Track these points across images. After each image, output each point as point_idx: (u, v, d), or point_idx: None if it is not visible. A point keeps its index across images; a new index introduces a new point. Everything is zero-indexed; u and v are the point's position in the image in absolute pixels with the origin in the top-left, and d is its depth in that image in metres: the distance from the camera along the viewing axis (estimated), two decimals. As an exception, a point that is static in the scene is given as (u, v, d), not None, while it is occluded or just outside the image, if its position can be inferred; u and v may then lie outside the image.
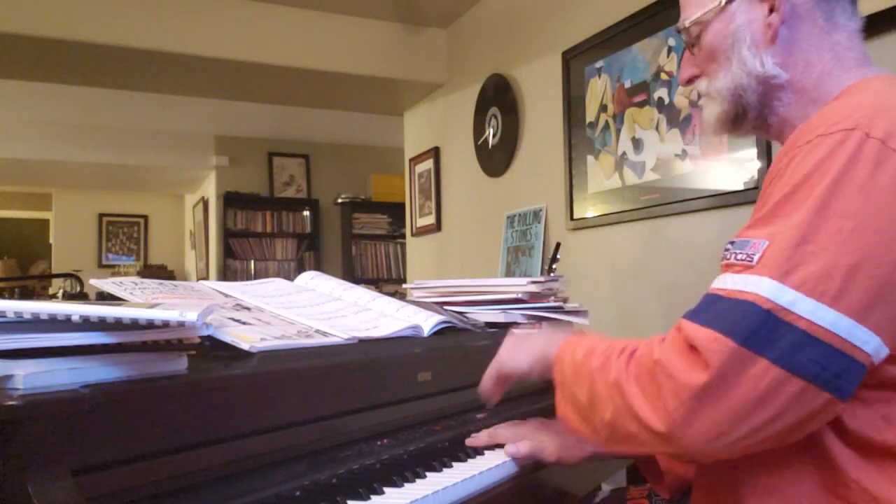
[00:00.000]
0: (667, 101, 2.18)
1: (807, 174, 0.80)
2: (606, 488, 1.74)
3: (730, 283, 0.81)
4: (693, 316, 0.82)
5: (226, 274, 6.22)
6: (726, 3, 0.98)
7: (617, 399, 0.86)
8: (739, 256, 0.82)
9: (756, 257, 0.80)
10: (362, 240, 6.45)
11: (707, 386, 0.77)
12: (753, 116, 1.00)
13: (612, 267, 2.42)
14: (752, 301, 0.77)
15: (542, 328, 1.29)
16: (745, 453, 0.82)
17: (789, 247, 0.78)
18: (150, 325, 0.84)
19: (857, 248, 0.76)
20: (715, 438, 0.78)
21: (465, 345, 1.59)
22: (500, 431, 1.21)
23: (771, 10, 0.95)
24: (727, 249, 0.85)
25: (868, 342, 0.76)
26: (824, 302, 0.75)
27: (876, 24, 1.58)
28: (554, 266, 2.09)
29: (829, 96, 0.95)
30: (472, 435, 1.24)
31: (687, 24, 1.03)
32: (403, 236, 4.59)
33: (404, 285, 2.25)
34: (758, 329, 0.76)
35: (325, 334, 1.27)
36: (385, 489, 0.99)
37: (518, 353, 1.09)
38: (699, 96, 1.06)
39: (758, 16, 0.96)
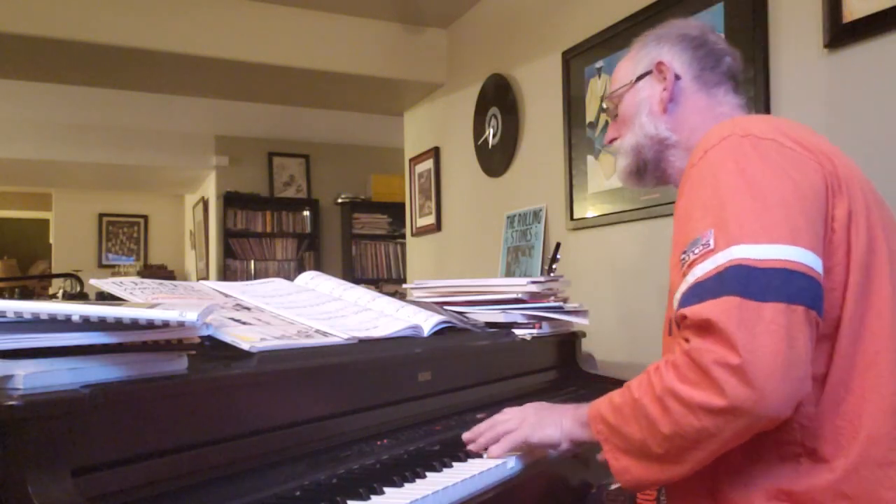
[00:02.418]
0: (667, 101, 2.18)
1: (714, 175, 0.97)
2: (616, 485, 1.74)
3: (700, 270, 0.91)
4: (686, 302, 0.91)
5: (226, 274, 6.21)
6: (636, 81, 1.26)
7: (671, 403, 0.90)
8: (697, 250, 0.93)
9: (711, 242, 0.92)
10: (362, 240, 6.45)
11: (737, 344, 0.83)
12: (653, 168, 1.25)
13: (612, 267, 2.43)
14: (731, 265, 0.88)
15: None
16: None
17: (732, 220, 0.91)
18: (150, 325, 0.84)
19: (780, 200, 0.91)
20: (778, 387, 0.83)
21: (465, 345, 1.59)
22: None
23: (665, 89, 1.22)
24: (683, 257, 0.95)
25: (820, 267, 0.90)
26: (786, 243, 0.88)
27: (876, 25, 1.58)
28: (554, 266, 2.09)
29: None
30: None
31: (609, 94, 1.31)
32: (403, 236, 4.59)
33: (404, 285, 2.25)
34: (748, 281, 0.86)
35: (325, 334, 1.27)
36: (385, 489, 0.99)
37: (545, 427, 1.15)
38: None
39: (655, 91, 1.23)
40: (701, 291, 0.89)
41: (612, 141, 1.32)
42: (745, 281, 0.86)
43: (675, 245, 1.01)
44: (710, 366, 0.85)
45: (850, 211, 0.95)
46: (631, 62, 1.29)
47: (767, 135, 0.99)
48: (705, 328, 0.86)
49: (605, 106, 1.33)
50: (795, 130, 1.02)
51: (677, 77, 1.22)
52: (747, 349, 0.83)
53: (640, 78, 1.25)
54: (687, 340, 0.89)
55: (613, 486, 1.40)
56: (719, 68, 1.23)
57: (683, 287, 0.93)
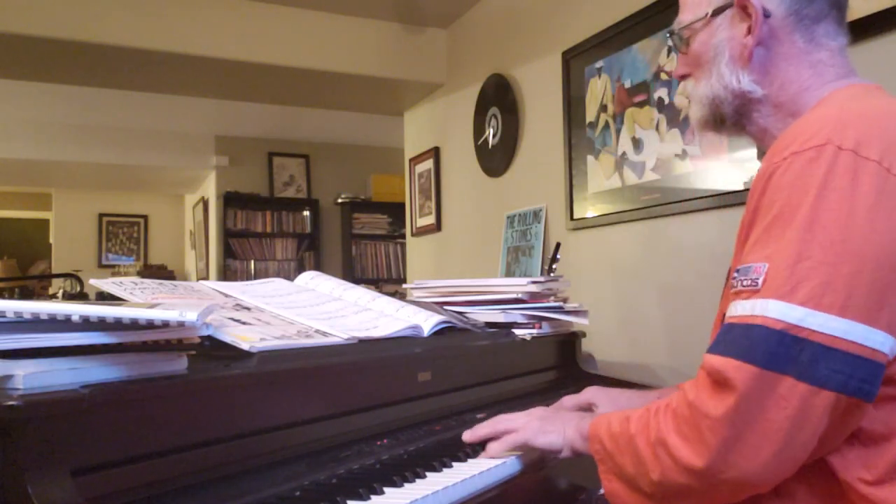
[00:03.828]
0: (667, 101, 2.18)
1: (790, 193, 0.83)
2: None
3: (739, 309, 0.84)
4: (712, 349, 0.85)
5: (226, 274, 6.21)
6: (712, 17, 1.03)
7: (662, 454, 0.87)
8: (745, 283, 0.84)
9: (760, 281, 0.82)
10: (362, 240, 6.45)
11: (735, 409, 0.79)
12: (731, 123, 1.06)
13: (612, 267, 2.42)
14: (763, 324, 0.80)
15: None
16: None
17: (788, 266, 0.80)
18: (149, 325, 0.84)
19: (851, 256, 0.78)
20: (766, 463, 0.79)
21: (465, 345, 1.59)
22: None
23: (749, 31, 0.99)
24: (734, 277, 0.87)
25: (884, 343, 0.79)
26: (833, 313, 0.77)
27: (876, 25, 1.58)
28: (554, 266, 2.09)
29: (805, 109, 0.99)
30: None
31: (678, 28, 1.09)
32: (403, 236, 4.59)
33: (404, 285, 2.25)
34: (776, 350, 0.78)
35: (325, 334, 1.27)
36: (385, 489, 0.99)
37: (549, 433, 1.12)
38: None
39: (737, 34, 1.00)
40: (728, 340, 0.83)
41: (682, 77, 1.12)
42: (772, 349, 0.78)
43: (736, 250, 0.92)
44: (705, 429, 0.81)
45: None
46: None
47: (872, 154, 0.81)
48: (717, 382, 0.82)
49: (674, 41, 1.11)
50: None
51: (766, 14, 0.98)
52: (746, 419, 0.78)
53: (717, 12, 1.02)
54: (695, 385, 0.85)
55: (602, 491, 1.40)
56: None
57: (726, 316, 0.87)
